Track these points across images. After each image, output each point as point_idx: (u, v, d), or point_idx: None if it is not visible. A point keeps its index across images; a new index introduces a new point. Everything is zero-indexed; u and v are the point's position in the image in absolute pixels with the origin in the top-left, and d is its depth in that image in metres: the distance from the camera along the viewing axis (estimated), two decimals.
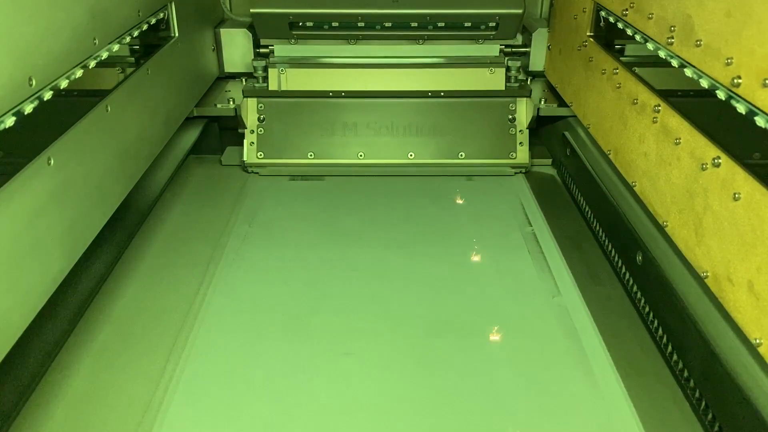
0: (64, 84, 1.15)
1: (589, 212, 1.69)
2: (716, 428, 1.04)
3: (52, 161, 1.09)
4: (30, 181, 1.02)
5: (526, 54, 2.14)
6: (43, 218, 1.06)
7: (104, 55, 1.32)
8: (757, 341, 0.94)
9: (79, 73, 1.21)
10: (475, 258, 1.53)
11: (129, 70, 1.50)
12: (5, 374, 1.07)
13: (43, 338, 1.18)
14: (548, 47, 2.12)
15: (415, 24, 1.99)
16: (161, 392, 1.14)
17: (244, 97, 1.97)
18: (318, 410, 1.11)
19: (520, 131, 1.97)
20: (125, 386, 1.16)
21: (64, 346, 1.23)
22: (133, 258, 1.53)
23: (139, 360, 1.22)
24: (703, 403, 1.08)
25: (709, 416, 1.06)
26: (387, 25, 1.99)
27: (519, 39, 2.13)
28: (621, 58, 1.53)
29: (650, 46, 1.35)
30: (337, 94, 1.98)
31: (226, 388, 1.15)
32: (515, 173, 1.97)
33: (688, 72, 1.19)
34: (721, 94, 1.07)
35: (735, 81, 1.03)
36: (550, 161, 2.05)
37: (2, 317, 0.95)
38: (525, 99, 1.98)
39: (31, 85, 1.04)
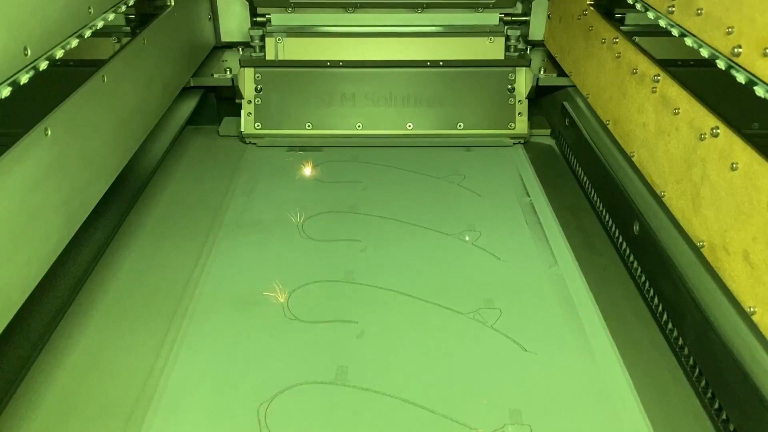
0: (59, 54, 1.14)
1: (587, 182, 1.69)
2: (709, 395, 1.06)
3: (50, 132, 1.08)
4: (28, 152, 1.02)
5: (526, 23, 2.12)
6: (41, 189, 1.06)
7: (99, 24, 1.31)
8: (752, 309, 0.96)
9: (74, 42, 1.20)
10: (473, 228, 1.54)
11: (125, 40, 1.48)
12: (6, 345, 1.09)
13: (43, 308, 1.19)
14: (548, 16, 2.10)
15: None
16: (162, 361, 1.15)
17: (241, 66, 1.96)
18: (317, 378, 1.12)
19: (519, 101, 1.96)
20: (126, 356, 1.17)
21: (65, 316, 1.24)
22: (132, 228, 1.53)
23: (140, 329, 1.23)
24: (697, 370, 1.10)
25: (703, 383, 1.08)
26: None
27: (518, 7, 2.11)
28: (621, 27, 1.52)
29: (650, 14, 1.34)
30: (335, 64, 1.97)
31: (226, 357, 1.17)
32: (514, 144, 1.97)
33: (688, 41, 1.18)
34: (721, 64, 1.07)
35: (735, 50, 1.02)
36: (548, 132, 2.05)
37: (2, 288, 0.96)
38: (524, 69, 1.97)
39: (26, 54, 1.04)
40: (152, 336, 1.21)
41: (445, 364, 1.15)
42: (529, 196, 1.69)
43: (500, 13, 2.04)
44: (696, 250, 1.14)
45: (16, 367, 1.08)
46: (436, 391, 1.10)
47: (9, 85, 0.99)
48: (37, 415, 1.05)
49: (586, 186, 1.70)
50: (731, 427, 1.00)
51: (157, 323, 1.24)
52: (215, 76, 2.00)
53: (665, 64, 1.30)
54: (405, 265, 1.41)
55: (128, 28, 1.55)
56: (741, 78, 1.01)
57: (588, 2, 1.70)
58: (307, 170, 1.80)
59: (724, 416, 1.02)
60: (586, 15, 1.72)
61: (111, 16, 1.37)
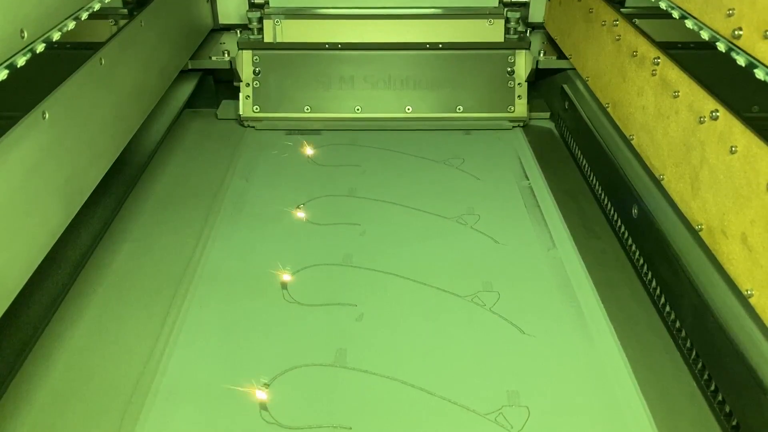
0: (56, 36, 1.13)
1: (587, 166, 1.69)
2: (706, 377, 1.07)
3: (47, 115, 1.08)
4: (25, 136, 1.02)
5: (526, 5, 2.11)
6: (39, 173, 1.06)
7: (96, 6, 1.30)
8: (749, 292, 0.96)
9: (71, 25, 1.19)
10: (472, 212, 1.54)
11: (122, 22, 1.47)
12: (8, 327, 1.09)
13: (43, 291, 1.19)
14: None
15: None
16: (162, 344, 1.16)
17: (239, 49, 1.95)
18: (316, 360, 1.13)
19: (518, 84, 1.95)
20: (126, 338, 1.18)
21: (65, 299, 1.24)
22: (131, 212, 1.53)
23: (140, 312, 1.24)
24: (694, 353, 1.10)
25: (700, 365, 1.09)
26: None
27: None
28: (621, 10, 1.51)
29: None
30: (334, 46, 1.96)
31: (226, 340, 1.17)
32: (513, 127, 1.96)
33: (688, 23, 1.17)
34: (721, 46, 1.06)
35: (736, 33, 1.02)
36: (548, 115, 2.04)
37: (2, 271, 0.96)
38: (524, 51, 1.96)
39: (22, 37, 1.03)
40: (152, 319, 1.22)
41: (444, 347, 1.16)
42: (528, 180, 1.68)
43: None
44: (694, 233, 1.14)
45: (17, 349, 1.09)
46: (434, 373, 1.10)
47: (6, 68, 0.98)
48: (38, 397, 1.06)
49: (585, 169, 1.69)
50: (727, 409, 1.00)
51: (157, 306, 1.25)
52: (213, 58, 1.99)
53: (665, 47, 1.29)
54: (404, 249, 1.41)
55: (125, 10, 1.54)
56: (741, 61, 1.01)
57: None
58: (308, 150, 1.80)
59: (720, 398, 1.03)
60: None
61: None
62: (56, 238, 1.13)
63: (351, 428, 1.01)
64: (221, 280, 1.32)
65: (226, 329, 1.20)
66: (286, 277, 1.32)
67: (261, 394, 1.06)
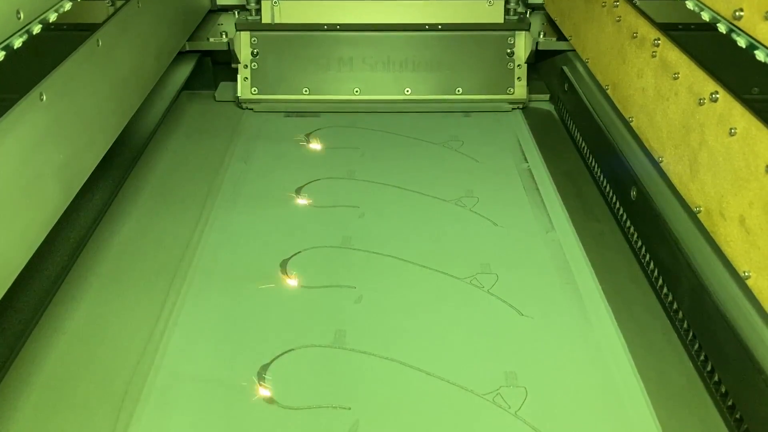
0: (53, 17, 1.12)
1: (586, 148, 1.69)
2: (702, 358, 1.07)
3: (45, 97, 1.07)
4: (23, 118, 1.02)
5: None
6: (38, 154, 1.06)
7: None
8: (746, 274, 0.96)
9: (68, 5, 1.18)
10: (471, 194, 1.54)
11: (119, 3, 1.46)
12: (7, 309, 1.09)
13: (43, 273, 1.19)
14: None
15: None
16: (162, 325, 1.16)
17: (237, 30, 1.93)
18: (315, 342, 1.13)
19: (518, 66, 1.94)
20: (126, 320, 1.18)
21: (64, 281, 1.25)
22: (130, 194, 1.53)
23: (139, 294, 1.24)
24: (691, 334, 1.11)
25: (696, 346, 1.10)
26: None
27: None
28: None
29: None
30: (332, 27, 1.94)
31: (225, 322, 1.18)
32: (512, 109, 1.95)
33: (689, 4, 1.16)
34: (722, 28, 1.06)
35: (736, 14, 1.01)
36: (548, 96, 2.03)
37: (2, 253, 0.96)
38: (524, 32, 1.94)
39: (19, 18, 1.02)
40: (152, 300, 1.22)
41: (442, 328, 1.17)
42: (527, 162, 1.68)
43: None
44: (692, 215, 1.14)
45: (17, 331, 1.09)
46: (432, 354, 1.11)
47: (2, 49, 0.98)
48: (39, 379, 1.07)
49: (585, 151, 1.69)
50: (723, 390, 1.01)
51: (157, 288, 1.25)
52: (211, 40, 1.98)
53: (665, 28, 1.28)
54: (403, 231, 1.42)
55: None
56: (742, 42, 1.00)
57: None
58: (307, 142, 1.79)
59: (716, 378, 1.03)
60: None
61: None
62: (55, 221, 1.13)
63: (350, 408, 1.02)
64: (220, 262, 1.32)
65: (226, 311, 1.20)
66: (284, 259, 1.32)
67: (260, 375, 1.06)
